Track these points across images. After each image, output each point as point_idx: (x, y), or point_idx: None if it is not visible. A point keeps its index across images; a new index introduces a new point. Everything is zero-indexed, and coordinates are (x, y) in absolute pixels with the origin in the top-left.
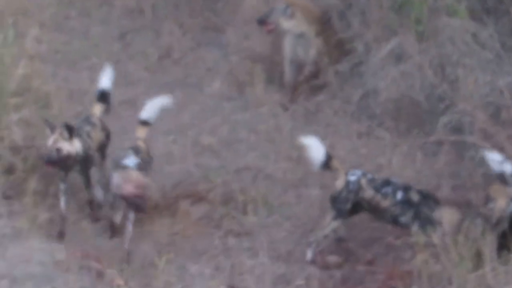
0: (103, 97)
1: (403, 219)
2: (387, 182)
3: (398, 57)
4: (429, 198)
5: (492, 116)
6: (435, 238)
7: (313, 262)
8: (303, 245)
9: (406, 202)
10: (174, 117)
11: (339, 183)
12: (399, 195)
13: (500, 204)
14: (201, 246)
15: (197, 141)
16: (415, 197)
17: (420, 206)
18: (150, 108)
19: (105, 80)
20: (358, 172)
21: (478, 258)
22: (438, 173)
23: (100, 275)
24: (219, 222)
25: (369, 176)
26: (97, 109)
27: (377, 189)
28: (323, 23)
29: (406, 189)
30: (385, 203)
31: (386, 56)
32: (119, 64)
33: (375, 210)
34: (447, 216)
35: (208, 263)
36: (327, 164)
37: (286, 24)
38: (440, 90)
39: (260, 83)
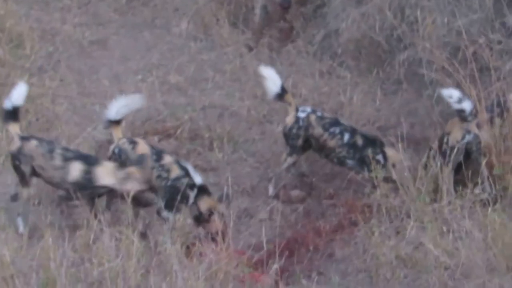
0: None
1: (350, 162)
2: (336, 122)
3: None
4: (374, 142)
5: (449, 56)
6: (394, 174)
7: (276, 196)
8: (267, 180)
9: (352, 145)
10: (142, 57)
11: (289, 119)
12: (346, 137)
13: (455, 136)
14: None
15: (164, 80)
16: (359, 141)
17: (365, 150)
18: (117, 107)
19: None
20: (308, 109)
21: (435, 193)
22: (397, 111)
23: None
24: (186, 158)
25: (319, 113)
26: (15, 128)
27: (325, 128)
28: None
29: (353, 132)
30: (332, 143)
31: None
32: (90, 5)
33: (322, 149)
34: (392, 157)
35: None
36: (281, 96)
37: None
38: (399, 31)
39: (226, 24)
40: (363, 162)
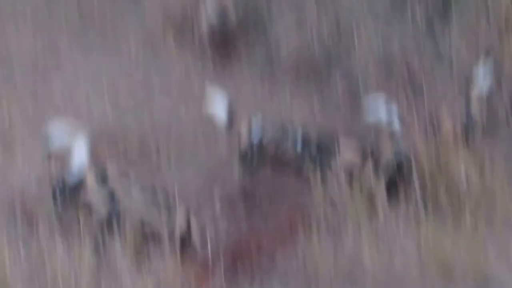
0: None
1: (305, 171)
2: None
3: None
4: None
5: (384, 67)
6: (332, 188)
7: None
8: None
9: (307, 155)
10: (93, 81)
11: (243, 130)
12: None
13: (386, 153)
14: None
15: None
16: (313, 149)
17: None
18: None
19: None
20: (259, 119)
21: (371, 210)
22: (334, 120)
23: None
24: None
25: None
26: None
27: (277, 145)
28: None
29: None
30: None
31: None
32: (44, 31)
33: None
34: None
35: None
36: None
37: None
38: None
39: (173, 48)
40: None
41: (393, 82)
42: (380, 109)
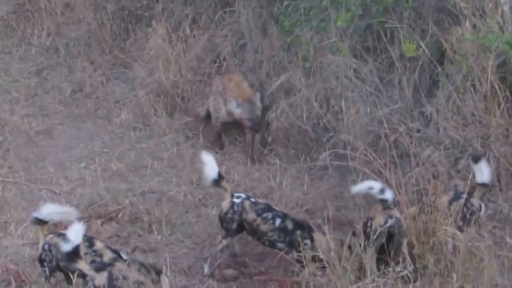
0: None
1: (280, 244)
2: (268, 208)
3: (288, 90)
4: (302, 226)
5: (372, 143)
6: (322, 253)
7: (211, 275)
8: (203, 260)
9: (283, 229)
10: (85, 146)
11: (225, 204)
12: (278, 222)
13: (378, 221)
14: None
15: (106, 167)
16: (289, 225)
17: (294, 233)
18: (49, 211)
19: None
20: (243, 195)
21: (360, 271)
22: (324, 195)
23: None
24: (127, 240)
25: (252, 199)
26: None
27: (258, 213)
28: None
29: (284, 217)
30: (265, 227)
31: (276, 90)
32: (36, 97)
33: (255, 232)
34: (319, 240)
35: None
36: (218, 182)
37: None
38: (325, 120)
39: (163, 115)
40: (292, 245)
41: (382, 154)
42: (370, 187)
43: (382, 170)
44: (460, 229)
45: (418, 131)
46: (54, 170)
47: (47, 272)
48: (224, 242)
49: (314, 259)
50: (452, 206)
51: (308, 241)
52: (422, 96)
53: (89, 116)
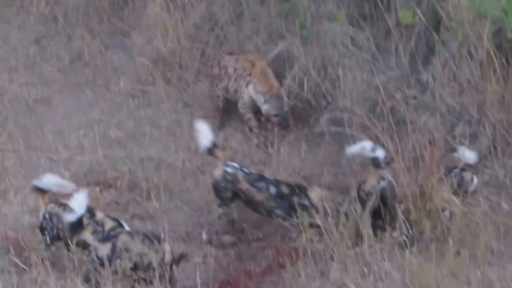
0: None
1: (278, 211)
2: (261, 177)
3: (285, 58)
4: (297, 187)
5: (369, 110)
6: (318, 219)
7: (209, 242)
8: (201, 227)
9: (279, 196)
10: (84, 114)
11: (217, 173)
12: (272, 189)
13: (370, 182)
14: None
15: (105, 134)
16: (285, 190)
17: (292, 197)
18: (48, 181)
19: None
20: (235, 165)
21: (357, 237)
22: (321, 162)
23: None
24: (126, 207)
25: (245, 170)
26: None
27: (251, 183)
28: None
29: (278, 183)
30: (260, 197)
31: (274, 58)
32: (35, 66)
33: (251, 202)
34: (316, 196)
35: None
36: (211, 151)
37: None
38: (322, 88)
39: (161, 83)
40: (291, 209)
41: (378, 121)
42: (362, 147)
43: (379, 137)
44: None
45: (415, 98)
46: (53, 138)
47: (48, 241)
48: (220, 210)
49: (311, 224)
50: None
51: (306, 201)
52: (418, 63)
53: (88, 85)
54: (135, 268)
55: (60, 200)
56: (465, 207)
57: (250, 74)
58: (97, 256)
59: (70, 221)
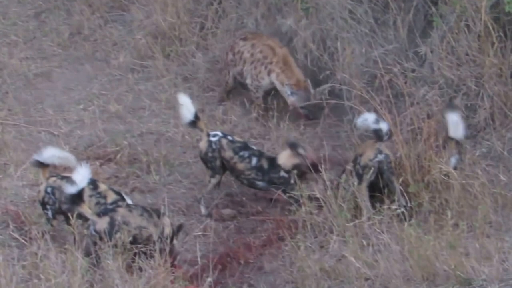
0: None
1: (260, 183)
2: (245, 147)
3: (285, 32)
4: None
5: (367, 83)
6: (318, 192)
7: (209, 215)
8: (198, 201)
9: (260, 168)
10: (84, 88)
11: (203, 144)
12: (254, 160)
13: (368, 155)
14: None
15: (105, 108)
16: (265, 164)
17: (270, 172)
18: (50, 154)
19: None
20: (219, 133)
21: (356, 209)
22: (320, 135)
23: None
24: (126, 181)
25: (229, 137)
26: None
27: (235, 151)
28: None
29: (260, 155)
30: (241, 166)
31: (274, 31)
32: (35, 40)
33: (233, 170)
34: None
35: None
36: (194, 123)
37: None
38: (322, 61)
39: (161, 57)
40: (272, 183)
41: (376, 94)
42: (365, 118)
43: (378, 109)
44: None
45: (413, 71)
46: (53, 112)
47: (50, 215)
48: (213, 181)
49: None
50: None
51: (280, 173)
52: (416, 36)
53: (88, 59)
54: (134, 241)
55: (61, 174)
56: (463, 179)
57: (271, 62)
58: (95, 230)
59: (70, 193)
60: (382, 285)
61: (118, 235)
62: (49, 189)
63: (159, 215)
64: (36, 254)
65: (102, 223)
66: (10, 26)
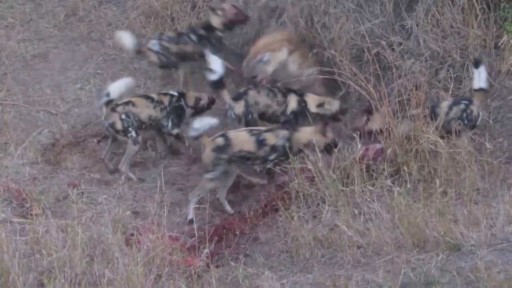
0: None
1: None
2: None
3: (274, 8)
4: None
5: (356, 57)
6: (309, 164)
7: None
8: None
9: None
10: (80, 68)
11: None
12: None
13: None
14: (107, 178)
15: (101, 87)
16: None
17: None
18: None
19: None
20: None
21: (348, 180)
22: None
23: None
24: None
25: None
26: None
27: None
28: None
29: None
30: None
31: (262, 9)
32: (31, 22)
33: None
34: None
35: (113, 193)
36: (139, 52)
37: None
38: (310, 36)
39: (154, 35)
40: None
41: (365, 64)
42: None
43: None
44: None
45: (400, 44)
46: (51, 92)
47: (134, 135)
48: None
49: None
50: (452, 111)
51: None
52: (402, 10)
53: (83, 39)
54: None
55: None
56: (451, 148)
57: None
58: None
59: (212, 80)
60: (374, 253)
61: None
62: (123, 116)
63: (283, 93)
64: (37, 230)
65: (239, 107)
66: (7, 9)
